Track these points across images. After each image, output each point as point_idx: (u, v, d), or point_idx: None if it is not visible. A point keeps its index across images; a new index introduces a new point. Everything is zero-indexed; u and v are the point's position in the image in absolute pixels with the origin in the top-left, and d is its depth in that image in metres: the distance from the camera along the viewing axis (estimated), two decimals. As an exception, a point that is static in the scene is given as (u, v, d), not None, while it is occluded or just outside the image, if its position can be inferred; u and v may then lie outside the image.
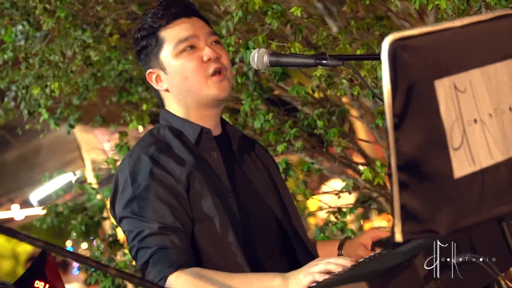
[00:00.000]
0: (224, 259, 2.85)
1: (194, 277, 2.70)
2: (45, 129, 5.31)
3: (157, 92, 3.09)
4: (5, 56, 4.80)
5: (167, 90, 3.02)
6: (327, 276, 2.50)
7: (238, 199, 2.94)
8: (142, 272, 2.81)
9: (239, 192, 2.98)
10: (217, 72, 2.96)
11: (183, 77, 2.96)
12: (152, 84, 3.07)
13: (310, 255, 3.04)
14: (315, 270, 2.55)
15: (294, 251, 3.05)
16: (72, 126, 5.01)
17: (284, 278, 2.64)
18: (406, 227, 1.88)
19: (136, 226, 2.82)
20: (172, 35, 2.98)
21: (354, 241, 3.14)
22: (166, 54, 2.98)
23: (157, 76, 3.03)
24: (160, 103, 3.13)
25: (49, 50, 4.51)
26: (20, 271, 12.01)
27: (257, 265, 2.89)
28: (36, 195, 11.38)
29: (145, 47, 3.03)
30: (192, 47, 2.96)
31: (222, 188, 2.93)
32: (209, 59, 2.95)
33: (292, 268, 2.70)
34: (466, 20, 2.02)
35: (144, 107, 4.76)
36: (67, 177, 6.32)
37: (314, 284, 2.52)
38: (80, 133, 7.51)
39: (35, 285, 2.93)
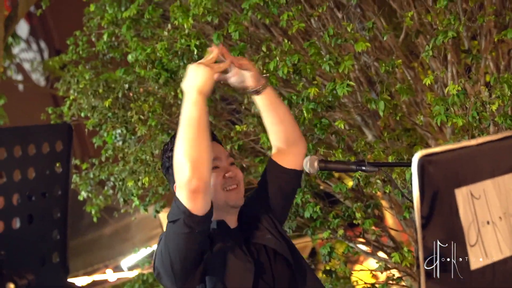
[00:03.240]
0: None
1: None
2: (135, 212, 5.37)
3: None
4: (107, 154, 4.92)
5: None
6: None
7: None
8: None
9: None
10: (234, 186, 2.98)
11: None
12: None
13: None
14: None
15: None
16: (158, 211, 5.03)
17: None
18: (431, 308, 1.87)
19: None
20: None
21: None
22: None
23: None
24: None
25: (141, 151, 4.58)
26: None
27: None
28: (126, 262, 11.44)
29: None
30: (216, 167, 2.94)
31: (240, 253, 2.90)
32: (230, 177, 2.97)
33: None
34: (480, 140, 2.02)
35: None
36: (151, 249, 6.44)
37: None
38: (162, 214, 7.55)
39: None
